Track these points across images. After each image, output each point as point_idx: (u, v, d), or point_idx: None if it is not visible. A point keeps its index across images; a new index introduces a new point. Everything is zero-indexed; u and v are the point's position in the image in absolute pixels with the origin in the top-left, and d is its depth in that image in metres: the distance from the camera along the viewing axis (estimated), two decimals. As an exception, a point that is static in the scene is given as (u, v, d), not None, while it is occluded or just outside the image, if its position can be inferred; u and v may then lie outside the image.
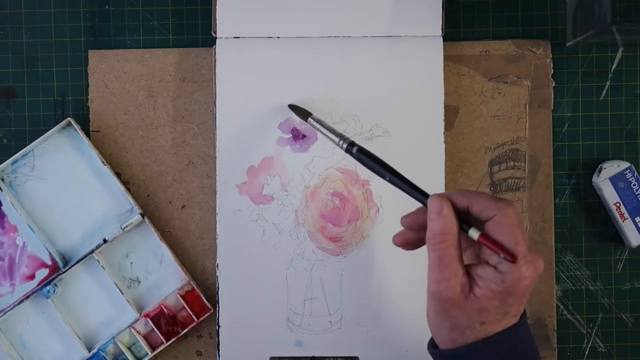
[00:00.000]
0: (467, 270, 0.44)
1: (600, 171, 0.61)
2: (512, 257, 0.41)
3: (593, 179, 0.61)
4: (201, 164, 0.62)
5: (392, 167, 0.48)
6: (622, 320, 0.62)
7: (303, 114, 0.58)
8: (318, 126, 0.56)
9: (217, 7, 0.60)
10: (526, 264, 0.42)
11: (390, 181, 0.48)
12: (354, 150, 0.51)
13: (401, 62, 0.60)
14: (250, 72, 0.60)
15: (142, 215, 0.60)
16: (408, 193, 0.47)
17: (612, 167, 0.61)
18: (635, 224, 0.60)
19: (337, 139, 0.53)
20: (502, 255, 0.42)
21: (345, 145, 0.52)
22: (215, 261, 0.60)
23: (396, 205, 0.60)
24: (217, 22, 0.60)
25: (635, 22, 0.60)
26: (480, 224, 0.44)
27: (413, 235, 0.47)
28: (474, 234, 0.43)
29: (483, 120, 0.62)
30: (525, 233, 0.43)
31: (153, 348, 0.60)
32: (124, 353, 0.60)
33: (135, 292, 0.61)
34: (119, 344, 0.60)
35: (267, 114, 0.60)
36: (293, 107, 0.58)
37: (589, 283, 0.62)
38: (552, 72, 0.61)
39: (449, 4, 0.62)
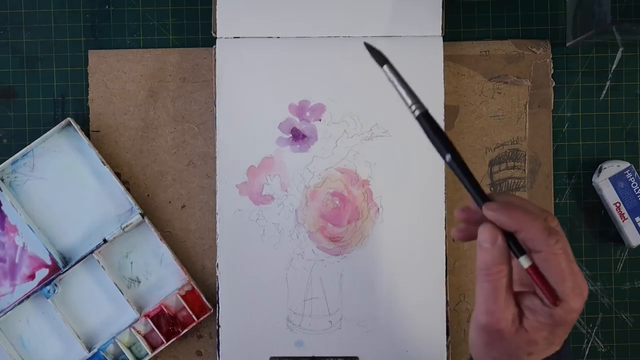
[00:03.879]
0: (514, 298, 0.42)
1: (600, 171, 0.61)
2: (554, 300, 0.40)
3: (593, 179, 0.61)
4: (201, 164, 0.62)
5: (458, 154, 0.44)
6: (622, 320, 0.62)
7: (378, 58, 0.48)
8: (392, 78, 0.47)
9: (217, 7, 0.60)
10: (574, 297, 0.41)
11: (451, 167, 0.43)
12: (426, 122, 0.45)
13: (401, 62, 0.59)
14: (250, 72, 0.60)
15: (142, 215, 0.60)
16: (465, 187, 0.43)
17: (612, 167, 0.60)
18: (635, 224, 0.60)
19: (409, 102, 0.46)
20: (550, 294, 0.40)
21: (417, 113, 0.45)
22: (215, 261, 0.60)
23: (396, 206, 0.60)
24: (217, 22, 0.60)
25: (635, 22, 0.60)
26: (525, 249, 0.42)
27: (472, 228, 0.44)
28: (524, 262, 0.41)
29: (483, 120, 0.62)
30: (573, 263, 0.42)
31: (153, 348, 0.60)
32: (124, 353, 0.60)
33: (136, 292, 0.61)
34: (119, 344, 0.60)
35: (267, 114, 0.60)
36: (369, 47, 0.48)
37: (589, 283, 0.62)
38: (552, 72, 0.61)
39: (449, 4, 0.62)
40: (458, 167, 0.43)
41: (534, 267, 0.41)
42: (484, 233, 0.42)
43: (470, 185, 0.43)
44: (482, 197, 0.42)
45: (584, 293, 0.41)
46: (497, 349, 0.42)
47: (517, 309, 0.42)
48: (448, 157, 0.43)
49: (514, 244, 0.42)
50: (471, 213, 0.44)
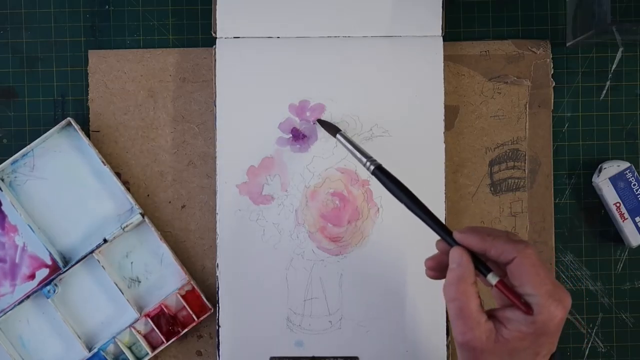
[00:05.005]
0: (494, 313, 0.44)
1: (600, 171, 0.61)
2: (526, 309, 0.42)
3: (593, 179, 0.61)
4: (201, 164, 0.62)
5: (416, 197, 0.48)
6: (622, 320, 0.62)
7: (331, 129, 0.57)
8: (345, 143, 0.55)
9: (217, 7, 0.60)
10: (554, 303, 0.41)
11: (413, 211, 0.48)
12: (381, 174, 0.51)
13: (401, 62, 0.60)
14: (250, 72, 0.60)
15: (142, 215, 0.60)
16: (430, 226, 0.47)
17: (612, 167, 0.61)
18: (635, 224, 0.60)
19: (364, 160, 0.53)
20: (520, 303, 0.42)
21: (372, 168, 0.51)
22: (215, 261, 0.60)
23: (396, 206, 0.60)
24: (217, 22, 0.60)
25: (635, 22, 0.60)
26: (501, 267, 0.44)
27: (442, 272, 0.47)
28: (492, 279, 0.43)
29: (483, 120, 0.62)
30: (549, 271, 0.43)
31: (153, 348, 0.60)
32: (124, 353, 0.60)
33: (136, 292, 0.61)
34: (119, 343, 0.60)
35: (267, 114, 0.60)
36: (322, 122, 0.59)
37: (589, 283, 0.62)
38: (552, 72, 0.61)
39: (449, 4, 0.62)
40: (418, 208, 0.47)
41: (501, 282, 0.43)
42: (452, 254, 0.45)
43: (434, 224, 0.46)
44: (446, 230, 0.46)
45: (564, 302, 0.42)
46: None
47: (491, 324, 0.43)
48: (410, 206, 0.48)
49: (481, 265, 0.44)
50: (439, 257, 0.47)
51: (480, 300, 0.43)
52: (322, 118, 0.60)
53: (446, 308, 0.59)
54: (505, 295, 0.43)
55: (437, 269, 0.47)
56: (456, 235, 0.45)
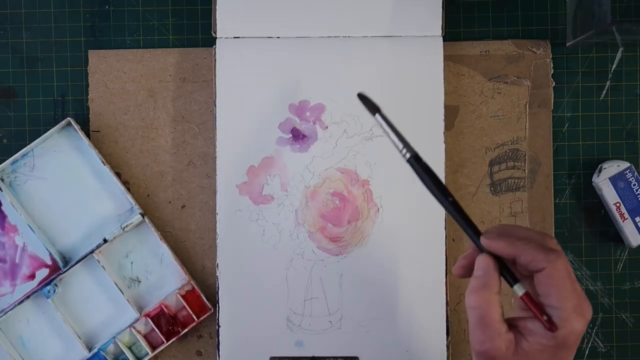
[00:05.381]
0: (515, 323, 0.43)
1: (600, 171, 0.61)
2: (550, 326, 0.41)
3: (593, 179, 0.61)
4: (201, 164, 0.62)
5: (450, 194, 0.45)
6: (622, 320, 0.62)
7: (371, 107, 0.50)
8: (384, 125, 0.49)
9: (217, 7, 0.60)
10: (577, 317, 0.41)
11: (444, 207, 0.45)
12: (416, 164, 0.47)
13: (401, 62, 0.60)
14: (250, 72, 0.60)
15: (142, 215, 0.60)
16: (459, 225, 0.45)
17: (612, 167, 0.60)
18: (635, 224, 0.60)
19: (400, 146, 0.47)
20: (544, 320, 0.41)
21: (408, 155, 0.47)
22: (215, 261, 0.60)
23: (396, 206, 0.60)
24: (217, 22, 0.60)
25: (635, 22, 0.60)
26: (528, 275, 0.43)
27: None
28: (518, 290, 0.42)
29: (483, 120, 0.62)
30: (575, 283, 0.42)
31: (153, 348, 0.60)
32: (124, 353, 0.60)
33: (136, 291, 0.61)
34: (119, 343, 0.60)
35: (267, 114, 0.60)
36: (362, 98, 0.51)
37: (589, 283, 0.62)
38: (552, 72, 0.61)
39: (449, 4, 0.62)
40: (451, 206, 0.45)
41: (527, 294, 0.42)
42: (478, 262, 0.43)
43: (465, 224, 0.44)
44: (476, 232, 0.44)
45: (586, 314, 0.42)
46: None
47: (512, 335, 0.42)
48: (442, 200, 0.45)
49: (508, 274, 0.43)
50: (472, 256, 0.45)
51: (502, 310, 0.42)
52: (323, 118, 0.60)
53: (447, 304, 0.59)
54: (530, 308, 0.42)
55: (468, 267, 0.45)
56: (483, 241, 0.43)
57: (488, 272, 0.42)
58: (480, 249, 0.44)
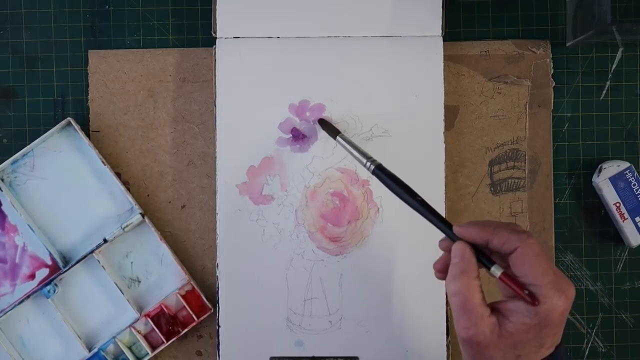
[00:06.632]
0: (497, 306, 0.43)
1: (600, 171, 0.61)
2: (532, 301, 0.41)
3: (593, 179, 0.61)
4: (201, 164, 0.62)
5: (418, 195, 0.48)
6: (622, 320, 0.62)
7: (332, 131, 0.57)
8: (346, 145, 0.55)
9: (217, 7, 0.60)
10: (557, 293, 0.41)
11: (414, 208, 0.48)
12: (381, 173, 0.51)
13: (401, 62, 0.60)
14: (250, 72, 0.60)
15: (142, 215, 0.60)
16: (431, 222, 0.46)
17: (612, 167, 0.61)
18: (635, 224, 0.60)
19: (364, 160, 0.53)
20: (524, 294, 0.41)
21: (372, 168, 0.51)
22: (215, 261, 0.60)
23: (396, 206, 0.60)
24: (217, 22, 0.60)
25: (635, 22, 0.60)
26: (503, 257, 0.44)
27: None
28: (496, 271, 0.43)
29: (483, 120, 0.62)
30: (552, 262, 0.43)
31: (153, 348, 0.60)
32: (124, 353, 0.60)
33: (136, 291, 0.61)
34: (119, 343, 0.60)
35: (267, 114, 0.60)
36: (322, 123, 0.59)
37: (589, 283, 0.62)
38: (552, 72, 0.61)
39: (449, 4, 0.62)
40: (420, 204, 0.47)
41: (505, 274, 0.43)
42: (454, 249, 0.44)
43: (435, 219, 0.46)
44: (448, 225, 0.46)
45: (567, 292, 0.42)
46: (484, 358, 0.43)
47: (495, 318, 0.43)
48: (412, 204, 0.48)
49: (484, 257, 0.44)
50: (445, 258, 0.46)
51: (483, 294, 0.43)
52: (323, 117, 0.60)
53: (447, 303, 0.59)
54: (509, 287, 0.42)
55: (445, 270, 0.46)
56: (456, 229, 0.45)
57: (465, 258, 0.43)
58: (454, 240, 0.45)
